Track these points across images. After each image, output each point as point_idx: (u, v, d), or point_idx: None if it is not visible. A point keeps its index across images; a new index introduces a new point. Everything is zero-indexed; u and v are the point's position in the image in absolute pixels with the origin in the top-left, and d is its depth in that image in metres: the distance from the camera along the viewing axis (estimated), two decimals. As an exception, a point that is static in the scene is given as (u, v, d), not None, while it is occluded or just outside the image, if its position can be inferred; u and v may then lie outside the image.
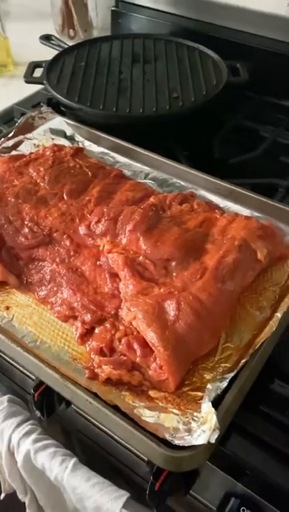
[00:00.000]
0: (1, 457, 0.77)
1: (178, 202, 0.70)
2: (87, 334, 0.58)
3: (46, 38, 1.13)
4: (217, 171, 0.79)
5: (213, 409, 0.47)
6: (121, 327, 0.57)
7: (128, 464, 0.67)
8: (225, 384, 0.51)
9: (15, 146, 0.84)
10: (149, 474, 0.55)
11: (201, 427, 0.47)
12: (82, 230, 0.66)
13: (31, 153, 0.80)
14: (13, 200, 0.69)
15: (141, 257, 0.61)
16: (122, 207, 0.68)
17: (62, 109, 0.91)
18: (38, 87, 1.04)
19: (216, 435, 0.45)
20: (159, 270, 0.60)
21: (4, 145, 0.84)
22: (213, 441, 0.45)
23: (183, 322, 0.53)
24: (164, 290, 0.57)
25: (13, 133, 0.85)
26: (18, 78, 1.06)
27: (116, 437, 0.63)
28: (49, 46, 1.13)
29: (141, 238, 0.63)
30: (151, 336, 0.53)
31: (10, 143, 0.84)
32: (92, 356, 0.56)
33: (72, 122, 0.88)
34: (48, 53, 1.07)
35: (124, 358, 0.54)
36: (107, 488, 0.62)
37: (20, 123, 0.85)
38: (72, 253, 0.64)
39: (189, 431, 0.48)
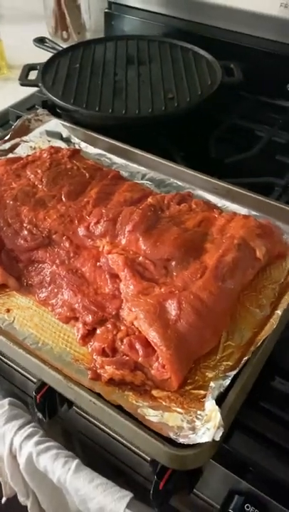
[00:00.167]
0: (3, 460, 0.77)
1: (176, 202, 0.70)
2: (88, 335, 0.58)
3: (40, 41, 1.13)
4: (213, 170, 0.80)
5: (217, 407, 0.47)
6: (122, 327, 0.57)
7: (130, 464, 0.67)
8: (228, 382, 0.51)
9: (11, 149, 0.85)
10: (153, 474, 0.55)
11: (205, 425, 0.47)
12: (81, 231, 0.66)
13: (28, 155, 0.80)
14: (11, 202, 0.69)
15: (141, 258, 0.61)
16: (121, 208, 0.68)
17: (58, 111, 0.91)
18: (33, 89, 1.04)
19: (220, 433, 0.45)
20: (159, 270, 0.61)
21: (1, 148, 0.84)
22: (217, 438, 0.45)
23: (184, 321, 0.54)
24: (164, 290, 0.58)
25: (9, 136, 0.85)
26: (13, 81, 1.06)
27: (118, 437, 0.64)
28: (43, 49, 1.13)
29: (140, 238, 0.63)
30: (153, 336, 0.53)
31: (6, 145, 0.84)
32: (94, 357, 0.56)
33: (68, 124, 0.88)
34: (42, 56, 1.07)
35: (127, 358, 0.54)
36: (110, 488, 0.62)
37: (16, 126, 0.85)
38: (71, 254, 0.64)
39: (193, 429, 0.48)
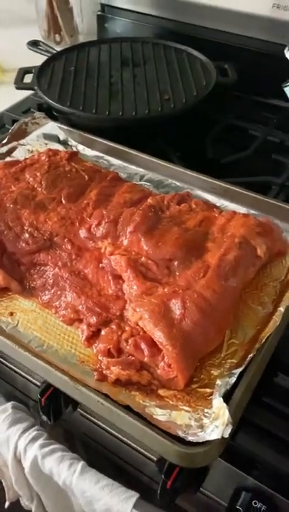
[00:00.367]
0: (6, 465, 0.77)
1: (176, 202, 0.71)
2: (93, 336, 0.58)
3: (34, 44, 1.13)
4: (211, 170, 0.80)
5: (225, 405, 0.48)
6: (127, 328, 0.57)
7: (134, 464, 0.68)
8: (234, 379, 0.52)
9: (9, 153, 0.85)
10: (160, 473, 0.56)
11: (213, 423, 0.47)
12: (82, 233, 0.66)
13: (26, 158, 0.81)
14: (11, 206, 0.69)
15: (143, 258, 0.62)
16: (121, 209, 0.68)
17: (55, 114, 0.91)
18: (28, 93, 1.04)
19: (229, 430, 0.46)
20: (162, 270, 0.61)
21: (-2, 152, 0.84)
22: (226, 435, 0.45)
23: (189, 320, 0.54)
24: (168, 289, 0.58)
25: (6, 139, 0.85)
26: (7, 84, 1.06)
27: (122, 438, 0.64)
28: (37, 52, 1.13)
29: (142, 239, 0.63)
30: (158, 335, 0.53)
31: (4, 149, 0.84)
32: (99, 358, 0.56)
33: (65, 127, 0.88)
34: (36, 59, 1.07)
35: (132, 358, 0.54)
36: (116, 489, 0.62)
37: (13, 129, 0.85)
38: (73, 256, 0.64)
39: (202, 427, 0.48)
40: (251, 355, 0.53)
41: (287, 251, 0.68)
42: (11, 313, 0.62)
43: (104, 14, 1.21)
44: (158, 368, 0.54)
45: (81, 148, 0.87)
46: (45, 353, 0.57)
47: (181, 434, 0.48)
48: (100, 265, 0.63)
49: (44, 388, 0.60)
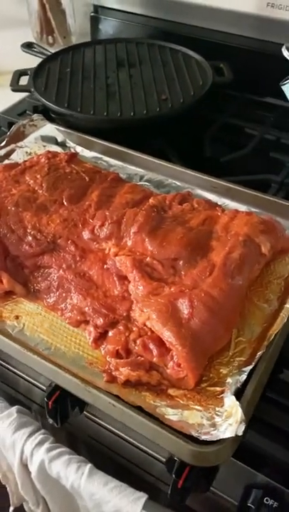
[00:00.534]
0: (11, 470, 0.76)
1: (177, 202, 0.71)
2: (100, 338, 0.58)
3: (28, 46, 1.13)
4: (210, 169, 0.81)
5: (237, 403, 0.48)
6: (134, 328, 0.57)
7: (141, 465, 0.68)
8: (244, 377, 0.52)
9: (7, 155, 0.84)
10: (169, 473, 0.56)
11: (226, 421, 0.47)
12: (86, 234, 0.66)
13: (25, 161, 0.80)
14: (13, 208, 0.69)
15: (148, 258, 0.62)
16: (124, 210, 0.68)
17: (52, 115, 0.91)
18: (23, 94, 1.04)
19: (242, 427, 0.46)
20: (167, 270, 0.61)
21: (-4, 154, 0.83)
22: (240, 433, 0.46)
23: (197, 319, 0.54)
24: (174, 289, 0.58)
25: (5, 142, 0.84)
26: (2, 87, 1.05)
27: (128, 439, 0.64)
28: (31, 54, 1.12)
29: (146, 239, 0.63)
30: (167, 335, 0.53)
31: (2, 152, 0.84)
32: (108, 359, 0.56)
33: (62, 128, 0.88)
34: (30, 61, 1.07)
35: (142, 358, 0.54)
36: (125, 490, 0.62)
37: (11, 132, 0.85)
38: (78, 258, 0.64)
39: (214, 425, 0.48)
40: (260, 352, 0.53)
41: (290, 248, 0.68)
42: (17, 317, 0.61)
43: (98, 15, 1.21)
44: (167, 367, 0.54)
45: (79, 149, 0.86)
46: (53, 355, 0.57)
47: (194, 433, 0.48)
48: (105, 266, 0.63)
49: (51, 391, 0.59)
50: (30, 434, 0.67)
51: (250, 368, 0.52)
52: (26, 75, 0.97)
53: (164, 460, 0.61)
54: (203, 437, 0.47)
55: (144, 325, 0.56)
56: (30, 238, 0.66)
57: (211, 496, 0.62)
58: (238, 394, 0.51)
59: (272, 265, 0.67)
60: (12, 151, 0.85)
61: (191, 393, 0.53)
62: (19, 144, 0.86)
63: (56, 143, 0.87)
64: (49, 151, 0.81)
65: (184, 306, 0.55)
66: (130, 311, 0.59)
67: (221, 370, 0.55)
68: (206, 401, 0.51)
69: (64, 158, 0.79)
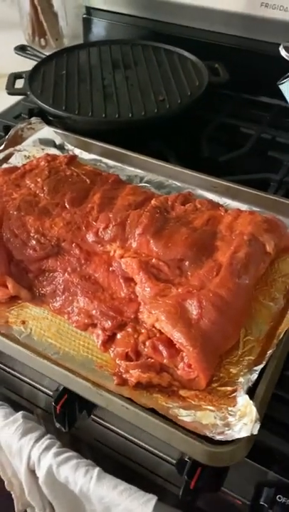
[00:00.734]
0: (16, 476, 0.76)
1: (180, 202, 0.71)
2: (109, 341, 0.58)
3: (21, 49, 1.12)
4: (208, 169, 0.81)
5: (251, 402, 0.48)
6: (143, 330, 0.57)
7: (148, 466, 0.67)
8: (255, 376, 0.52)
9: (5, 159, 0.83)
10: (179, 474, 0.56)
11: (241, 420, 0.47)
12: (90, 237, 0.66)
13: (24, 164, 0.80)
14: (15, 213, 0.68)
15: (154, 260, 0.62)
16: (126, 211, 0.68)
17: (50, 118, 0.91)
18: (17, 98, 1.03)
19: (257, 426, 0.46)
20: (173, 271, 0.61)
21: (-5, 159, 0.83)
22: (255, 432, 0.46)
23: (207, 319, 0.54)
24: (182, 290, 0.58)
25: (3, 146, 0.84)
26: (-4, 90, 1.04)
27: (135, 440, 0.63)
28: (24, 56, 1.12)
29: (151, 241, 0.63)
30: (178, 336, 0.53)
31: (0, 156, 0.83)
32: (117, 362, 0.56)
33: (60, 131, 0.87)
34: (23, 64, 1.07)
35: (152, 360, 0.54)
36: (135, 493, 0.62)
37: (10, 135, 0.84)
38: (83, 261, 0.64)
39: (228, 425, 0.48)
40: (271, 351, 0.53)
41: (293, 246, 0.69)
42: (23, 322, 0.61)
43: (90, 17, 1.21)
44: (178, 368, 0.54)
45: (78, 152, 0.86)
46: (62, 360, 0.56)
47: (208, 433, 0.48)
48: (110, 269, 0.63)
49: (58, 396, 0.59)
50: (37, 440, 0.67)
51: (261, 366, 0.52)
52: (21, 78, 0.97)
53: (170, 460, 0.62)
54: (218, 437, 0.47)
55: (153, 326, 0.56)
56: (34, 242, 0.65)
57: (220, 496, 0.62)
58: (249, 393, 0.51)
59: (276, 263, 0.67)
60: (10, 155, 0.84)
61: (203, 393, 0.53)
62: (17, 147, 0.85)
63: (54, 146, 0.87)
64: (48, 154, 0.81)
65: (192, 307, 0.55)
66: (138, 313, 0.59)
67: (231, 370, 0.55)
68: (218, 401, 0.51)
69: (64, 161, 0.78)
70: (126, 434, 0.64)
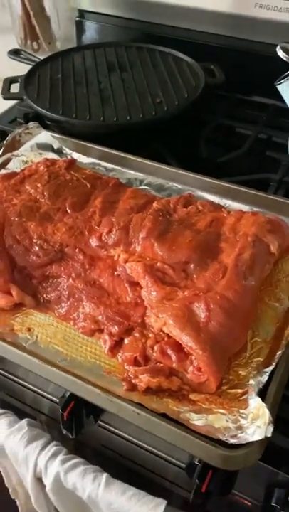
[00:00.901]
0: (21, 484, 0.75)
1: (182, 205, 0.71)
2: (116, 346, 0.57)
3: (15, 53, 1.11)
4: (207, 171, 0.81)
5: (263, 404, 0.48)
6: (150, 334, 0.57)
7: (155, 470, 0.67)
8: (265, 378, 0.52)
9: (3, 165, 0.83)
10: (190, 477, 0.55)
11: (254, 423, 0.47)
12: (93, 242, 0.65)
13: (23, 169, 0.79)
14: (16, 219, 0.68)
15: (159, 263, 0.61)
16: (129, 215, 0.68)
17: (47, 122, 0.90)
18: (12, 102, 1.02)
19: (271, 429, 0.46)
20: (179, 274, 0.61)
21: (-8, 164, 0.82)
22: (269, 434, 0.46)
23: (215, 322, 0.54)
24: (188, 293, 0.58)
25: (1, 151, 0.83)
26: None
27: (142, 445, 0.63)
28: (18, 61, 1.11)
29: (155, 244, 0.63)
30: (186, 340, 0.53)
31: (-2, 161, 0.82)
32: (126, 367, 0.55)
33: (58, 135, 0.87)
34: (16, 68, 1.06)
35: (161, 364, 0.54)
36: (143, 498, 0.61)
37: (7, 141, 0.84)
38: (87, 266, 0.64)
39: (240, 428, 0.48)
40: (280, 352, 0.53)
41: (296, 246, 0.69)
42: (29, 329, 0.60)
43: (83, 20, 1.20)
44: (187, 372, 0.53)
45: (76, 156, 0.86)
46: (70, 366, 0.56)
47: (221, 437, 0.47)
48: (115, 273, 0.62)
49: (65, 402, 0.58)
50: (43, 447, 0.67)
51: (271, 368, 0.52)
52: (16, 82, 0.96)
53: (178, 463, 0.61)
54: (232, 441, 0.47)
55: (161, 331, 0.56)
56: (36, 248, 0.65)
57: (230, 498, 0.62)
58: (259, 395, 0.51)
59: (279, 264, 0.67)
60: (8, 160, 0.83)
61: (213, 397, 0.52)
62: (15, 152, 0.84)
63: (52, 150, 0.86)
64: (47, 159, 0.80)
65: (200, 310, 0.55)
66: (145, 317, 0.58)
67: (240, 372, 0.55)
68: (229, 404, 0.51)
69: (63, 166, 0.78)
70: (132, 438, 0.64)
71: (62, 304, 0.62)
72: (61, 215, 0.69)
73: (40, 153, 0.86)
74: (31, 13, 1.23)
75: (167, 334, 0.56)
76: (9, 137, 0.84)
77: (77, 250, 0.65)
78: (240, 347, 0.56)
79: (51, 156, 0.85)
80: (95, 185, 0.75)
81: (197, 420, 0.50)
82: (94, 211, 0.69)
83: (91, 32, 1.21)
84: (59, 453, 0.66)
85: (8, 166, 0.83)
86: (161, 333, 0.56)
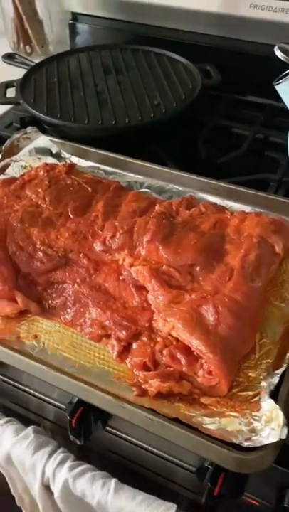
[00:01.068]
0: (27, 492, 0.74)
1: (184, 207, 0.70)
2: (124, 351, 0.57)
3: (9, 57, 1.10)
4: (207, 172, 0.81)
5: (277, 406, 0.48)
6: (159, 339, 0.56)
7: (164, 474, 0.67)
8: (277, 379, 0.52)
9: (2, 170, 0.82)
10: (201, 481, 0.55)
11: (268, 426, 0.47)
12: (97, 246, 0.65)
13: (23, 175, 0.78)
14: (18, 225, 0.67)
15: (164, 266, 0.61)
16: (131, 219, 0.67)
17: (45, 127, 0.89)
18: (7, 107, 1.02)
19: (285, 431, 0.46)
20: (185, 277, 0.61)
21: (-9, 170, 0.81)
22: (284, 437, 0.45)
23: (224, 324, 0.54)
24: (195, 296, 0.58)
25: (0, 157, 0.82)
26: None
27: (150, 448, 0.63)
28: (13, 65, 1.10)
29: (160, 247, 0.63)
30: (196, 344, 0.53)
31: (-4, 167, 0.82)
32: (135, 372, 0.55)
33: (56, 140, 0.86)
34: (9, 71, 1.05)
35: (171, 369, 0.53)
36: (153, 503, 0.61)
37: (5, 146, 0.83)
38: (92, 271, 0.63)
39: (254, 431, 0.48)
40: (289, 353, 0.53)
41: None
42: (35, 336, 0.60)
43: (76, 22, 1.20)
44: (198, 376, 0.53)
45: (75, 159, 0.85)
46: (78, 373, 0.55)
47: (235, 440, 0.47)
48: (120, 277, 0.62)
49: (73, 409, 0.58)
50: (50, 454, 0.66)
51: (282, 370, 0.52)
52: (12, 86, 0.95)
53: (187, 467, 0.61)
54: (246, 444, 0.47)
55: (169, 334, 0.56)
56: (40, 254, 0.64)
57: (241, 500, 0.61)
58: (271, 397, 0.51)
59: (284, 264, 0.67)
60: (7, 166, 0.83)
61: (224, 400, 0.52)
62: (13, 157, 0.84)
63: (51, 154, 0.86)
64: (46, 164, 0.79)
65: (208, 313, 0.55)
66: (152, 322, 0.58)
67: (250, 374, 0.55)
68: (241, 406, 0.51)
69: (63, 170, 0.77)
70: (139, 442, 0.63)
71: (68, 310, 0.61)
72: (64, 220, 0.69)
73: (39, 158, 0.85)
74: (24, 16, 1.23)
75: (176, 338, 0.55)
76: (7, 142, 0.83)
77: (81, 255, 0.64)
78: (249, 349, 0.56)
79: (50, 160, 0.84)
80: (96, 189, 0.74)
81: (210, 424, 0.49)
82: (96, 215, 0.69)
83: (84, 34, 1.20)
84: (67, 460, 0.65)
85: (7, 171, 0.82)
86: (169, 337, 0.56)
